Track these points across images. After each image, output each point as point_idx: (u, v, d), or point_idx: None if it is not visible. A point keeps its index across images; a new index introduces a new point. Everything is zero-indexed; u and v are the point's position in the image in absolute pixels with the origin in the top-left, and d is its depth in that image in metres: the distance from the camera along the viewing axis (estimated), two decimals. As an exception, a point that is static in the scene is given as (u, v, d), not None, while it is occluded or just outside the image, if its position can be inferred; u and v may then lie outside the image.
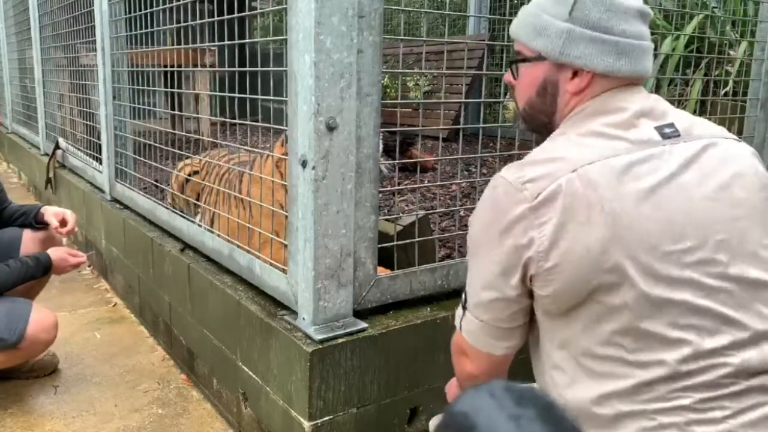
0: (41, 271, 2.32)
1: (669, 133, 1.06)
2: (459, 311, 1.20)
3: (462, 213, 2.86)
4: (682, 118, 1.11)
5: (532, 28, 1.13)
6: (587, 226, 0.99)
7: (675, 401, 0.98)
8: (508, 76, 1.24)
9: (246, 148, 2.43)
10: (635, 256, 0.99)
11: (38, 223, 2.56)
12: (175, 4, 2.29)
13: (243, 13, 1.93)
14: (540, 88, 1.16)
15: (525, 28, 1.15)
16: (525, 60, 1.17)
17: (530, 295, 1.08)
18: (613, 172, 1.01)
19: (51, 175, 4.33)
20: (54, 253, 2.36)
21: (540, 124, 1.21)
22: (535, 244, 1.01)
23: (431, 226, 2.52)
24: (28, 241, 2.52)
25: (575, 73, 1.11)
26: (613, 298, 1.00)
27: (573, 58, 1.09)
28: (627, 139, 1.05)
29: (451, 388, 1.40)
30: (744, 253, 1.02)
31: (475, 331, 1.15)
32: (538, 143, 1.17)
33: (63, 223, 2.56)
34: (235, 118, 2.11)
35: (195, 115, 3.93)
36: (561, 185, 1.00)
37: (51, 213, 2.56)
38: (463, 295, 1.19)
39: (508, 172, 1.07)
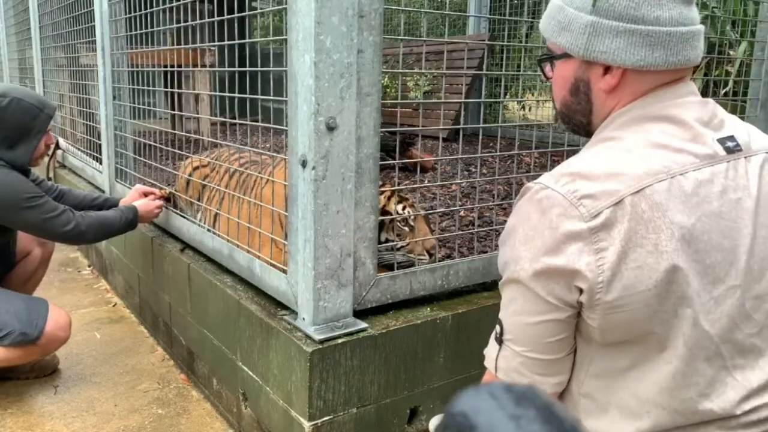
0: (133, 221, 2.41)
1: (732, 147, 0.97)
2: (491, 349, 1.04)
3: (462, 213, 2.86)
4: (739, 128, 1.02)
5: (557, 23, 1.03)
6: (655, 254, 0.89)
7: None
8: (548, 71, 1.11)
9: (249, 148, 2.43)
10: (701, 290, 0.90)
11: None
12: (175, 4, 2.29)
13: (243, 13, 1.93)
14: (572, 88, 1.05)
15: (550, 23, 1.05)
16: (552, 58, 1.07)
17: (578, 315, 0.97)
18: (683, 192, 0.91)
19: (51, 175, 4.33)
20: (139, 205, 2.45)
21: (578, 125, 1.10)
22: (592, 271, 0.89)
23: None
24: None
25: (607, 69, 1.00)
26: (671, 336, 0.92)
27: (599, 54, 0.98)
28: (693, 153, 0.95)
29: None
30: None
31: (517, 367, 0.99)
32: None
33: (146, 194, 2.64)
34: (235, 118, 2.11)
35: (195, 115, 3.93)
36: (625, 206, 0.89)
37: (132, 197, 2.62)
38: (497, 327, 1.02)
39: (556, 184, 0.94)
